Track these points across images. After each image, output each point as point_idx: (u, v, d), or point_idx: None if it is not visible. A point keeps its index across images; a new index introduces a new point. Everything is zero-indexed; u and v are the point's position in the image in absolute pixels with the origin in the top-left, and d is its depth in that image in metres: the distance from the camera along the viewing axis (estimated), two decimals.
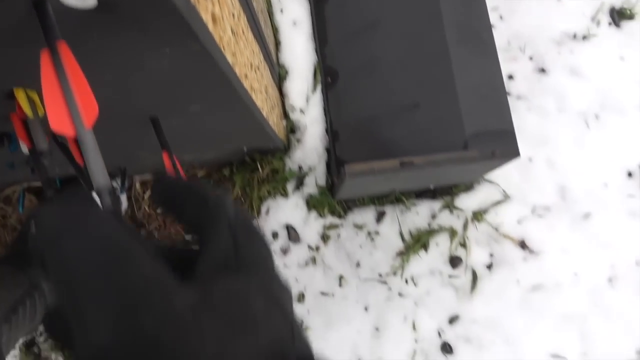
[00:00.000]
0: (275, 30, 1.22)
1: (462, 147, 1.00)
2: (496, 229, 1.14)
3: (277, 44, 1.21)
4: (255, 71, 0.87)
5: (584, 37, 1.33)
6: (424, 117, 1.04)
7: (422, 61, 1.06)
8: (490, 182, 1.17)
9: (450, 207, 1.15)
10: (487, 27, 1.08)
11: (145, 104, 0.70)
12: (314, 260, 1.12)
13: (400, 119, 1.06)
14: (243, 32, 0.77)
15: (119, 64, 0.46)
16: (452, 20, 1.07)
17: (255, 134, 1.03)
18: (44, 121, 0.39)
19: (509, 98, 1.27)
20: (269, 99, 1.01)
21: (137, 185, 1.21)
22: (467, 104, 1.01)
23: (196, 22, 0.42)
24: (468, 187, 1.17)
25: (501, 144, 1.01)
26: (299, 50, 1.20)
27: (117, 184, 1.16)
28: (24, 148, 0.56)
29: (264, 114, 0.93)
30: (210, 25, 0.50)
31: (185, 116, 0.80)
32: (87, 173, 0.28)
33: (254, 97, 0.82)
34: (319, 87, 1.18)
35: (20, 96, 0.51)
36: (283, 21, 1.22)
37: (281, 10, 1.23)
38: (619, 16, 1.35)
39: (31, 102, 0.52)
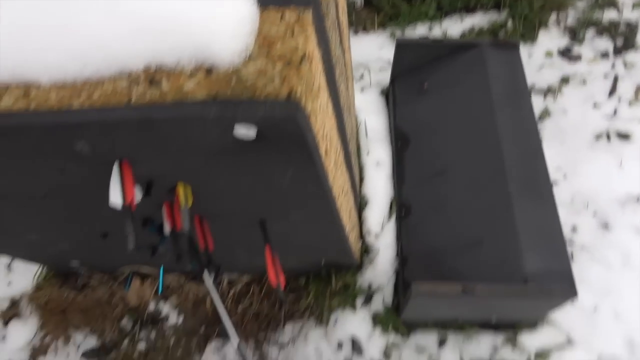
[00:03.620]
0: (361, 168, 1.47)
1: (522, 283, 1.08)
2: None
3: (362, 179, 1.45)
4: (344, 195, 1.08)
5: None
6: (487, 253, 1.15)
7: (486, 206, 1.22)
8: (554, 325, 1.21)
9: (512, 343, 1.19)
10: (547, 183, 1.23)
11: (260, 209, 0.91)
12: None
13: (464, 253, 1.18)
14: (340, 164, 1.00)
15: (254, 173, 0.68)
16: (514, 176, 1.24)
17: (336, 248, 1.20)
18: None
19: (572, 247, 1.36)
20: (351, 219, 1.20)
21: (225, 282, 1.39)
22: (527, 245, 1.12)
23: (316, 154, 0.64)
24: (531, 326, 1.21)
25: (559, 284, 1.08)
26: (379, 186, 1.41)
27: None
28: (167, 228, 0.75)
29: (347, 231, 1.11)
30: (323, 156, 0.72)
31: (286, 222, 1.00)
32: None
33: (342, 214, 1.01)
34: (393, 218, 1.36)
35: (181, 189, 0.73)
36: (368, 161, 1.47)
37: (368, 152, 1.49)
38: None
39: (185, 195, 0.73)
